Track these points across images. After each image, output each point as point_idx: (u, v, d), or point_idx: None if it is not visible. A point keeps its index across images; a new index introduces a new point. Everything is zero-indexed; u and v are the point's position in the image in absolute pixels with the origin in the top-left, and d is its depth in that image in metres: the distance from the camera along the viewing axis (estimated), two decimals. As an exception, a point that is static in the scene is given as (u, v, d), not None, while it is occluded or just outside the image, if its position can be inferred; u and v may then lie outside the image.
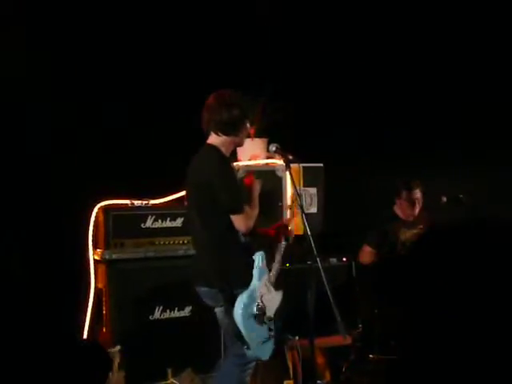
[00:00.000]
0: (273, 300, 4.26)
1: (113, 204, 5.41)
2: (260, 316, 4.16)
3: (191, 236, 4.46)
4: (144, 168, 5.69)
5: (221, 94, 4.30)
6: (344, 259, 5.81)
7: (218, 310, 4.28)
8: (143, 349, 5.11)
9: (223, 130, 4.27)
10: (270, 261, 4.36)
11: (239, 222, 4.14)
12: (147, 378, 5.07)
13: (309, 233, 4.07)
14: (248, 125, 4.37)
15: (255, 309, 4.15)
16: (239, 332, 4.09)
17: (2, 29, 5.35)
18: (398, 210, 5.99)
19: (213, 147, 4.29)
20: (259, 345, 4.16)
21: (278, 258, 4.40)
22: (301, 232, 4.92)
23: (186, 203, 4.53)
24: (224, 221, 4.16)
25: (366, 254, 5.88)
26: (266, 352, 4.21)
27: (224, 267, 4.16)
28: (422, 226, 5.98)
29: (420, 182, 5.97)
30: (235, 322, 4.10)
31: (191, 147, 5.48)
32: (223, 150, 4.28)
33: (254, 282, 4.19)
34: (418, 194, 5.96)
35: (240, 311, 4.11)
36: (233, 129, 4.28)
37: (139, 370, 5.03)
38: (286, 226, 4.50)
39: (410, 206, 5.93)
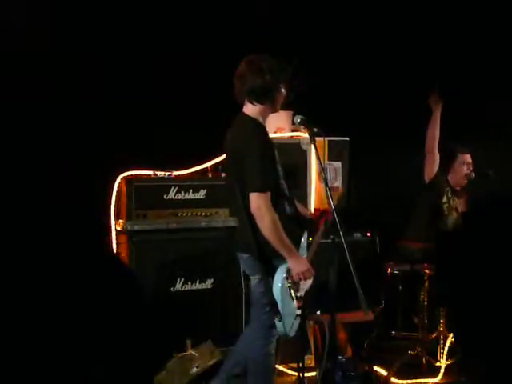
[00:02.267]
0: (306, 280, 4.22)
1: (136, 175, 5.38)
2: (294, 291, 4.12)
3: (232, 204, 4.36)
4: (168, 139, 5.64)
5: (251, 60, 4.17)
6: (368, 234, 5.75)
7: (254, 279, 4.22)
8: (163, 320, 5.10)
9: (257, 98, 4.15)
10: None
11: (253, 201, 4.01)
12: (167, 349, 5.07)
13: (333, 207, 4.01)
14: (283, 90, 4.20)
15: (291, 283, 4.11)
16: (276, 302, 4.05)
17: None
18: (451, 176, 6.02)
19: (248, 118, 4.19)
20: (290, 320, 4.12)
21: (316, 239, 4.33)
22: (325, 206, 4.89)
23: (223, 172, 4.66)
24: None
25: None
26: (293, 329, 4.17)
27: (262, 235, 4.05)
28: (463, 201, 5.99)
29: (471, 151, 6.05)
30: (273, 292, 4.05)
31: (215, 118, 5.46)
32: (260, 119, 4.19)
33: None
34: (470, 158, 6.03)
35: (280, 283, 4.05)
36: (267, 96, 4.15)
37: (159, 340, 5.03)
38: (329, 212, 4.38)
39: (466, 169, 5.96)
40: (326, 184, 4.11)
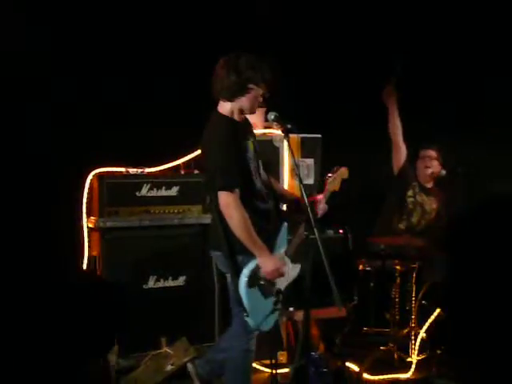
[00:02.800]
0: (287, 273, 4.21)
1: (108, 171, 5.36)
2: (267, 287, 4.11)
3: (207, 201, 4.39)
4: (140, 136, 5.62)
5: (227, 59, 4.17)
6: (340, 231, 5.77)
7: (228, 277, 4.23)
8: (137, 318, 5.08)
9: (230, 95, 4.15)
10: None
11: (221, 199, 4.03)
12: (141, 347, 5.05)
13: (307, 204, 4.01)
14: (259, 88, 4.17)
15: (262, 279, 4.11)
16: (240, 299, 4.05)
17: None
18: (418, 173, 6.14)
19: (219, 115, 4.20)
20: (263, 316, 4.11)
21: (300, 231, 4.32)
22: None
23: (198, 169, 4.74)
24: None
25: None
26: (267, 324, 4.17)
27: (231, 233, 4.06)
28: (435, 200, 6.03)
29: (438, 147, 6.08)
30: (238, 288, 4.06)
31: (187, 115, 5.45)
32: (235, 117, 4.20)
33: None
34: (431, 152, 6.07)
35: (245, 279, 4.06)
36: (239, 93, 4.14)
37: (133, 338, 5.01)
38: (316, 204, 4.38)
39: (424, 163, 6.03)
40: (300, 181, 4.11)
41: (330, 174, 4.44)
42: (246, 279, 4.06)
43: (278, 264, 4.13)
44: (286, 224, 4.31)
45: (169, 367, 4.89)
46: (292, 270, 4.28)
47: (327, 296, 3.94)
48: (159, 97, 5.79)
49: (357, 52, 6.52)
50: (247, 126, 4.33)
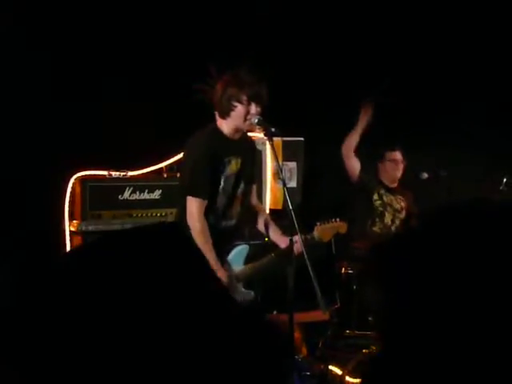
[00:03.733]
0: (236, 295, 4.21)
1: (90, 175, 5.34)
2: None
3: None
4: (122, 139, 5.59)
5: (224, 76, 4.22)
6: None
7: None
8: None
9: (217, 112, 4.23)
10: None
11: (188, 205, 4.12)
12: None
13: (290, 207, 4.01)
14: (240, 105, 4.17)
15: None
16: None
17: None
18: (382, 174, 6.05)
19: (208, 128, 4.26)
20: None
21: (263, 260, 4.30)
22: (280, 206, 4.89)
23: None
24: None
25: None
26: None
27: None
28: (403, 198, 6.05)
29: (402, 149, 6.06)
30: None
31: (171, 119, 5.43)
32: (225, 131, 4.23)
33: None
34: (399, 155, 6.04)
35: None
36: (221, 111, 4.20)
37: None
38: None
39: (393, 166, 6.00)
40: (284, 184, 4.12)
41: (318, 223, 4.37)
42: None
43: (223, 280, 4.10)
44: (245, 247, 4.30)
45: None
46: (241, 294, 4.26)
47: (310, 299, 3.94)
48: (142, 99, 5.76)
49: (342, 54, 6.53)
50: (240, 144, 4.33)
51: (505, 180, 5.73)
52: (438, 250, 1.36)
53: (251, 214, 4.47)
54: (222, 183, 4.22)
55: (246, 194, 4.40)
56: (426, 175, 6.06)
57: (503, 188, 5.71)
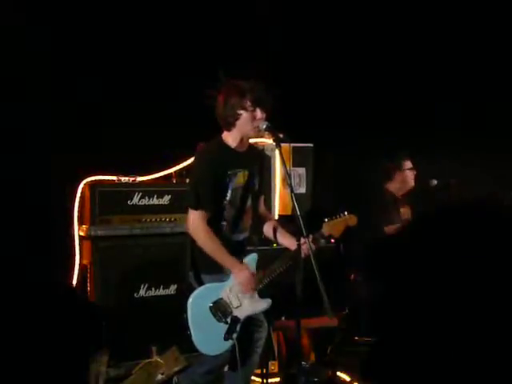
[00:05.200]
0: (252, 305, 4.20)
1: (99, 180, 5.35)
2: (218, 311, 4.11)
3: None
4: (132, 144, 5.61)
5: (220, 89, 4.22)
6: (332, 240, 5.76)
7: None
8: (128, 326, 5.07)
9: (222, 125, 4.23)
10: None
11: (189, 216, 4.17)
12: (131, 355, 5.03)
13: (298, 213, 4.01)
14: (245, 112, 4.16)
15: (212, 303, 4.11)
16: (186, 317, 4.09)
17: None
18: (396, 186, 5.98)
19: (215, 140, 4.27)
20: (207, 339, 4.11)
21: (275, 266, 4.27)
22: (289, 212, 4.88)
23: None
24: None
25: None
26: (211, 349, 4.14)
27: (193, 255, 4.24)
28: (408, 208, 6.02)
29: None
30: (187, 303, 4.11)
31: (181, 124, 5.44)
32: (229, 142, 4.23)
33: (228, 278, 4.17)
34: (411, 163, 6.01)
35: (191, 299, 4.12)
36: (225, 123, 4.20)
37: (123, 347, 4.99)
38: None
39: (411, 175, 5.96)
40: (292, 190, 4.12)
41: (326, 219, 4.34)
42: (191, 299, 4.12)
43: (250, 278, 4.15)
44: (255, 254, 4.30)
45: (159, 376, 4.87)
46: (258, 303, 4.25)
47: (318, 305, 3.94)
48: (152, 105, 5.78)
49: (352, 60, 6.54)
50: (247, 156, 4.32)
51: None
52: (434, 248, 1.37)
53: (259, 221, 4.46)
54: (228, 196, 4.22)
55: (255, 205, 4.39)
56: (435, 182, 6.03)
57: None
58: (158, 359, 4.98)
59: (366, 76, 6.50)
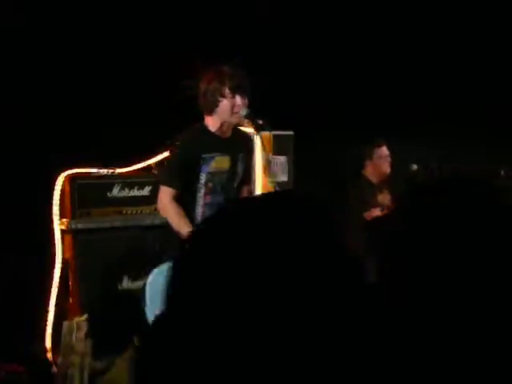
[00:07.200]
0: None
1: (78, 173, 5.30)
2: None
3: None
4: (111, 136, 5.56)
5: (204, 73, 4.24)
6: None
7: None
8: (111, 318, 5.04)
9: (203, 110, 4.25)
10: None
11: (159, 193, 4.28)
12: (117, 348, 5.00)
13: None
14: (224, 99, 4.17)
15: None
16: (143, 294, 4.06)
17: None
18: (371, 172, 5.99)
19: (195, 125, 4.30)
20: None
21: None
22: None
23: None
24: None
25: None
26: None
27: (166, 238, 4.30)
28: (387, 192, 6.02)
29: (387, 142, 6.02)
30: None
31: (160, 115, 5.41)
32: (209, 127, 4.23)
33: None
34: (386, 150, 6.01)
35: (150, 277, 4.13)
36: (206, 108, 4.21)
37: (109, 340, 4.96)
38: None
39: (385, 162, 5.96)
40: (273, 178, 4.11)
41: None
42: (151, 276, 4.09)
43: None
44: None
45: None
46: None
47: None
48: (130, 96, 5.74)
49: (333, 49, 6.53)
50: (230, 142, 4.31)
51: (502, 173, 5.70)
52: (411, 231, 1.36)
53: None
54: (203, 179, 4.22)
55: (238, 193, 4.38)
56: (415, 167, 6.04)
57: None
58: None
59: (366, 76, 6.50)
